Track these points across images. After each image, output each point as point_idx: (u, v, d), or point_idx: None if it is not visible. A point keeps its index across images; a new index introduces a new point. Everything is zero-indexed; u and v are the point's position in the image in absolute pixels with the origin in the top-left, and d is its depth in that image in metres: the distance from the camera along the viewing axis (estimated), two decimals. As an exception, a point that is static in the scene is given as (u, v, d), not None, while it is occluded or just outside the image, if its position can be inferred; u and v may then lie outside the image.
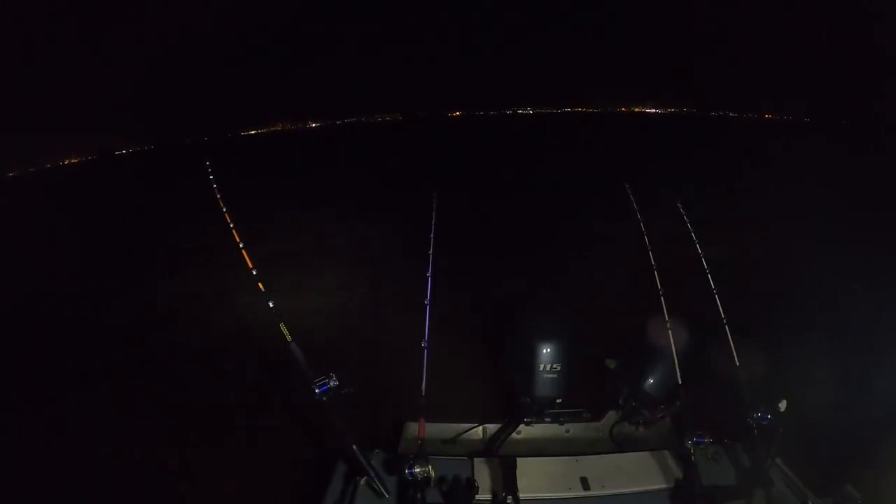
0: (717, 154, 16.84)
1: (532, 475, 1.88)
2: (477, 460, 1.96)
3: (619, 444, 2.38)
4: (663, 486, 1.86)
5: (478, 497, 1.78)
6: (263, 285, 1.91)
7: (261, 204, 9.45)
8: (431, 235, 2.44)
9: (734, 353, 2.21)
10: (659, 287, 2.48)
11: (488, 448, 2.35)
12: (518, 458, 1.96)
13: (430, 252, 2.34)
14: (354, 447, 1.81)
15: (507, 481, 1.85)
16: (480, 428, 2.47)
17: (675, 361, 2.23)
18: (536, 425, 2.42)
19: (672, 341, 2.26)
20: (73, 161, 28.73)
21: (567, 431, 2.45)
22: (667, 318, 2.32)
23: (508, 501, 1.78)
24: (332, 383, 1.81)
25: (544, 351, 2.29)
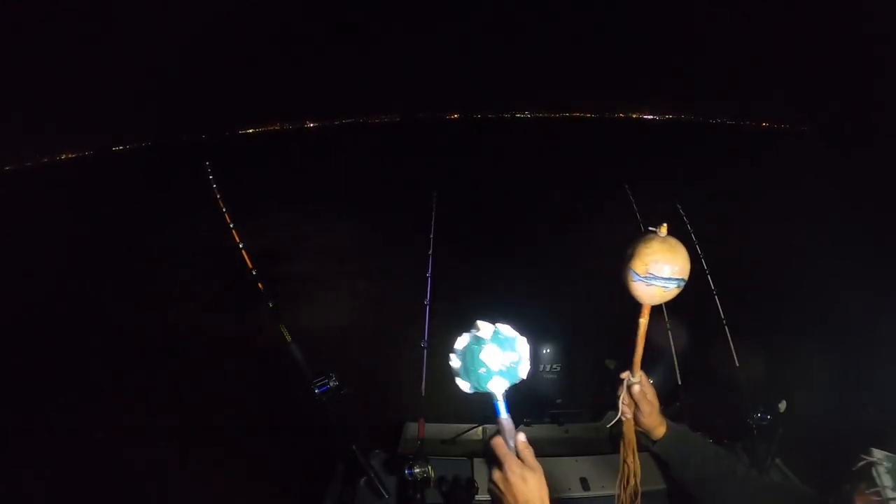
0: (716, 159, 16.88)
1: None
2: (477, 460, 1.97)
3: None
4: (663, 486, 1.86)
5: (478, 497, 1.78)
6: (263, 285, 1.92)
7: (260, 203, 9.45)
8: (431, 236, 2.44)
9: (734, 354, 2.21)
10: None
11: (489, 448, 2.35)
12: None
13: (430, 252, 2.35)
14: (354, 447, 1.81)
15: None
16: (480, 428, 2.47)
17: (675, 362, 2.23)
18: (536, 425, 2.42)
19: (672, 341, 2.26)
20: (70, 156, 28.79)
21: (567, 431, 2.45)
22: (667, 319, 2.33)
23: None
24: (332, 383, 1.81)
25: (544, 351, 2.29)
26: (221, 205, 2.09)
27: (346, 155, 22.16)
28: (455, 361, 0.95)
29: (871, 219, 7.84)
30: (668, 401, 2.30)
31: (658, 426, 1.13)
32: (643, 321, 1.10)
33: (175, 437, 3.62)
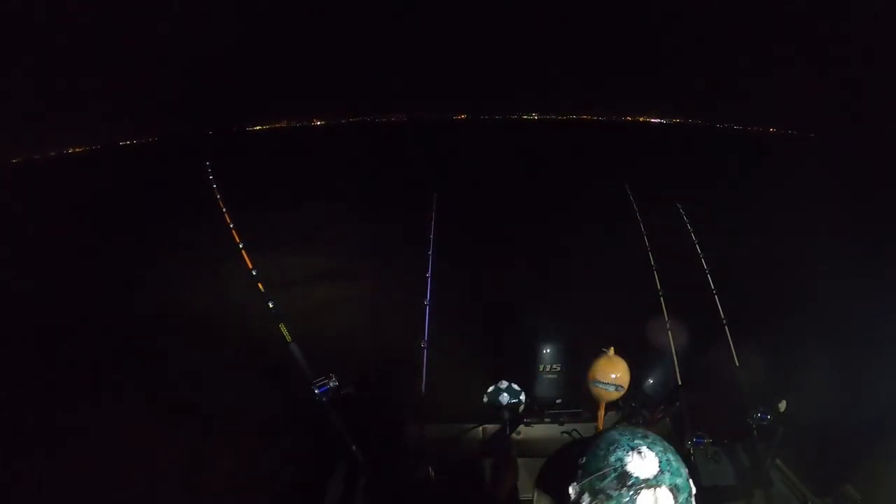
0: (719, 162, 16.87)
1: (532, 475, 1.88)
2: (477, 460, 1.96)
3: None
4: None
5: (478, 497, 1.78)
6: (263, 286, 1.92)
7: (262, 202, 9.44)
8: (431, 236, 2.44)
9: (734, 354, 2.21)
10: (659, 287, 2.49)
11: (488, 448, 2.35)
12: (518, 459, 1.95)
13: (430, 252, 2.35)
14: (354, 447, 1.81)
15: (507, 481, 1.85)
16: (480, 428, 2.47)
17: (675, 362, 2.23)
18: (536, 425, 2.42)
19: (672, 342, 2.26)
20: (77, 150, 28.91)
21: (567, 432, 2.45)
22: (667, 319, 2.33)
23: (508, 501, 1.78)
24: (331, 383, 1.81)
25: (544, 352, 2.29)
26: (222, 205, 2.09)
27: (348, 154, 22.16)
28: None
29: (872, 219, 7.83)
30: (668, 401, 2.30)
31: None
32: (600, 413, 1.85)
33: (173, 438, 3.62)
